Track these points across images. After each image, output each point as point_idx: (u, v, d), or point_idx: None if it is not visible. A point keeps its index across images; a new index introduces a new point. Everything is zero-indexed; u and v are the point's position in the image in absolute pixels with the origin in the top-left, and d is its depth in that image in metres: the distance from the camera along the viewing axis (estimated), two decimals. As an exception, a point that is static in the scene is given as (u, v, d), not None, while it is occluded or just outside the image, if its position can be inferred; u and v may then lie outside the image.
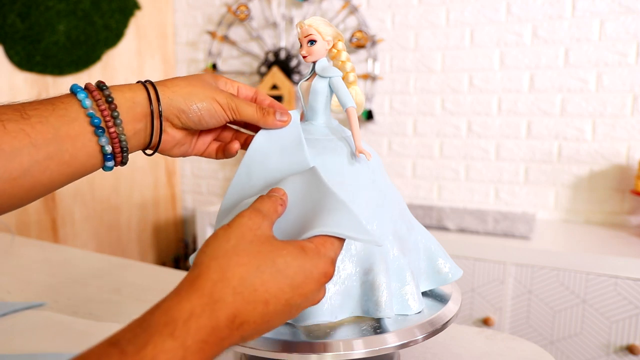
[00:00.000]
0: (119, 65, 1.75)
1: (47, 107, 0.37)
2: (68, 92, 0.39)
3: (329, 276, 0.33)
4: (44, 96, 1.43)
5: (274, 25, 1.78)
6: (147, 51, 1.87)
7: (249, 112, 0.44)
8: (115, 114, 0.39)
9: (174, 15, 2.00)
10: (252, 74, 1.85)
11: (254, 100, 0.47)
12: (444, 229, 1.38)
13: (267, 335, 0.39)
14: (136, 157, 1.86)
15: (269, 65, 1.77)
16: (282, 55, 1.75)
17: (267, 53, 1.78)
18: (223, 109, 0.43)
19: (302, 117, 0.49)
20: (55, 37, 1.53)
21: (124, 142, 0.39)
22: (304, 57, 0.46)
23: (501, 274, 1.22)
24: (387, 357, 0.48)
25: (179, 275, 0.86)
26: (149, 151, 0.44)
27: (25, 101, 0.38)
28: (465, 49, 1.53)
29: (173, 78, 0.43)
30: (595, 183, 1.42)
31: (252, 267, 0.30)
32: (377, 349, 0.38)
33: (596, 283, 1.13)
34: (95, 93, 0.38)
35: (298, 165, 0.43)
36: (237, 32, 1.87)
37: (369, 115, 1.64)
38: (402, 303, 0.43)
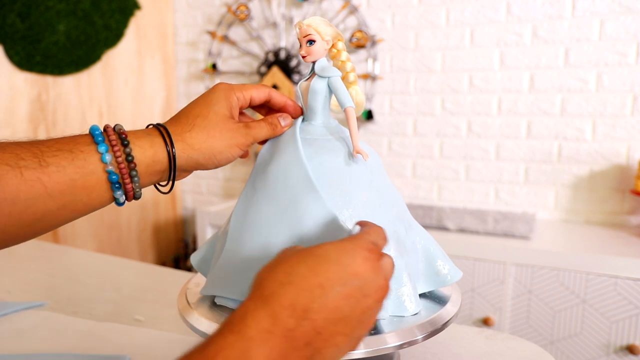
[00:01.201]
0: (119, 65, 1.75)
1: (66, 155, 0.37)
2: (87, 132, 0.40)
3: (374, 252, 0.33)
4: (43, 96, 1.42)
5: (274, 25, 1.78)
6: (147, 51, 1.87)
7: (263, 135, 0.46)
8: (134, 172, 0.40)
9: (174, 15, 2.00)
10: (252, 74, 1.85)
11: (269, 100, 0.48)
12: (444, 229, 1.38)
13: None
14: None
15: (269, 65, 1.77)
16: (282, 55, 1.75)
17: (267, 53, 1.78)
18: (241, 149, 0.45)
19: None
20: (55, 37, 1.53)
21: (138, 193, 0.41)
22: (303, 57, 0.46)
23: (501, 274, 1.22)
24: (387, 357, 0.47)
25: (179, 275, 0.86)
26: (163, 189, 0.45)
27: (45, 140, 0.38)
28: (465, 49, 1.53)
29: (192, 127, 0.42)
30: (595, 183, 1.43)
31: (294, 262, 0.31)
32: (377, 349, 0.38)
33: (596, 283, 1.13)
34: (116, 148, 0.39)
35: (294, 165, 0.43)
36: (237, 32, 1.87)
37: (369, 115, 1.64)
38: (398, 304, 0.43)
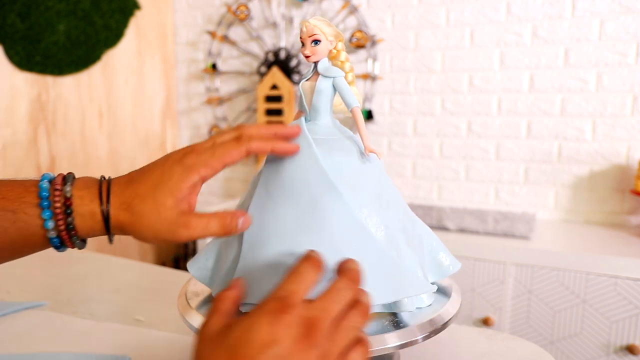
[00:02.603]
0: (119, 65, 1.75)
1: (9, 216, 0.38)
2: (33, 186, 0.39)
3: (279, 309, 0.30)
4: (43, 96, 1.42)
5: (274, 25, 1.78)
6: (147, 51, 1.87)
7: (207, 235, 0.41)
8: (75, 238, 0.40)
9: (173, 15, 2.00)
10: (252, 74, 1.85)
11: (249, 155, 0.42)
12: (444, 228, 1.38)
13: None
14: (136, 157, 1.87)
15: (268, 65, 1.76)
16: (282, 55, 1.75)
17: (267, 53, 1.78)
18: (176, 241, 0.40)
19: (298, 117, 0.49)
20: (55, 37, 1.53)
21: (80, 246, 0.41)
22: (307, 56, 0.46)
23: (501, 274, 1.22)
24: (387, 357, 0.48)
25: (179, 275, 0.86)
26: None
27: None
28: (465, 49, 1.53)
29: (134, 197, 0.39)
30: (595, 183, 1.43)
31: (210, 348, 0.31)
32: (377, 349, 0.38)
33: (596, 283, 1.13)
34: (59, 217, 0.38)
35: (310, 167, 0.43)
36: (237, 32, 1.87)
37: (368, 115, 1.64)
38: (416, 297, 0.44)
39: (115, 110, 1.77)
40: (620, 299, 1.11)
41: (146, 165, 0.42)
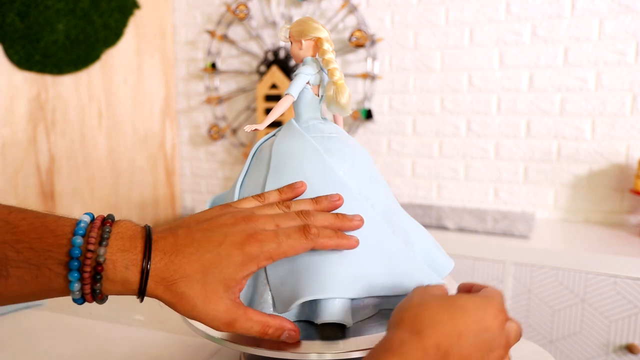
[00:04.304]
0: (118, 65, 1.75)
1: (32, 270, 0.34)
2: (65, 239, 0.35)
3: (503, 312, 0.35)
4: (43, 96, 1.41)
5: (274, 24, 1.78)
6: (146, 50, 1.87)
7: (250, 333, 0.38)
8: (99, 301, 0.37)
9: (173, 14, 1.99)
10: (252, 73, 1.85)
11: None
12: (443, 228, 1.38)
13: None
14: (135, 156, 1.87)
15: (268, 64, 1.76)
16: (282, 54, 1.75)
17: (266, 52, 1.77)
18: (221, 329, 0.38)
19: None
20: (54, 36, 1.52)
21: (100, 303, 0.38)
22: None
23: (500, 273, 1.22)
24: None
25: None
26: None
27: (16, 237, 0.34)
28: (465, 48, 1.53)
29: (181, 277, 0.36)
30: (595, 182, 1.43)
31: (438, 307, 0.34)
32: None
33: (595, 282, 1.13)
34: (86, 282, 0.35)
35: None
36: (236, 31, 1.87)
37: (368, 115, 1.64)
38: None
39: (114, 110, 1.76)
40: (619, 298, 1.11)
41: (196, 234, 0.37)
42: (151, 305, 0.72)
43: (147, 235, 0.37)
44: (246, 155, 1.88)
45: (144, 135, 1.90)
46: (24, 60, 1.47)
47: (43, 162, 1.54)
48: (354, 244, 0.41)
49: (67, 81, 1.60)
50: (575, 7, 1.38)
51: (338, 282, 0.39)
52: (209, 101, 1.90)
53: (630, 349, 1.10)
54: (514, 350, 0.56)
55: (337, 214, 0.42)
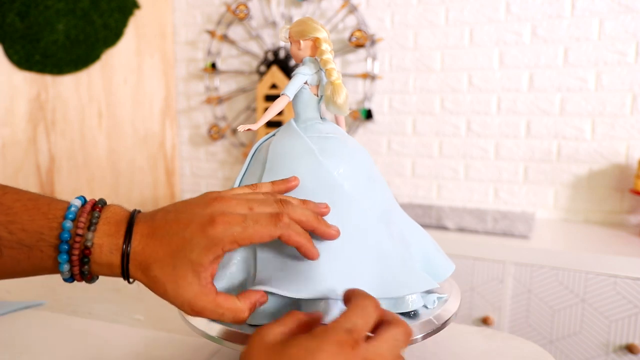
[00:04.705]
0: (118, 65, 1.75)
1: (25, 251, 0.37)
2: (55, 222, 0.37)
3: (347, 343, 0.29)
4: (43, 96, 1.41)
5: (274, 24, 1.78)
6: (146, 50, 1.87)
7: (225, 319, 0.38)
8: (88, 280, 0.39)
9: (173, 14, 1.99)
10: (252, 73, 1.85)
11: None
12: (443, 228, 1.38)
13: None
14: (135, 156, 1.87)
15: (268, 64, 1.76)
16: (282, 54, 1.75)
17: (266, 52, 1.77)
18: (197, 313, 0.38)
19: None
20: (54, 36, 1.53)
21: (90, 282, 0.40)
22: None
23: (500, 273, 1.22)
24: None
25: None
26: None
27: (10, 218, 0.36)
28: (465, 48, 1.53)
29: (154, 260, 0.37)
30: (595, 182, 1.43)
31: None
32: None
33: (595, 282, 1.13)
34: (75, 264, 0.37)
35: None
36: (236, 31, 1.87)
37: (368, 115, 1.64)
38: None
39: (114, 110, 1.76)
40: (619, 298, 1.11)
41: (171, 214, 0.38)
42: (151, 305, 0.72)
43: (130, 220, 0.38)
44: (246, 155, 1.88)
45: (144, 135, 1.90)
46: (24, 60, 1.47)
47: (43, 162, 1.54)
48: (315, 254, 0.39)
49: (67, 81, 1.60)
50: (575, 7, 1.38)
51: (328, 282, 0.39)
52: (209, 101, 1.90)
53: (630, 349, 1.10)
54: (514, 351, 0.56)
55: (317, 215, 0.40)
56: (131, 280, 0.39)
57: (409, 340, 0.33)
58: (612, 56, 1.36)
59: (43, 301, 0.72)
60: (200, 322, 0.42)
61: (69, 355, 0.56)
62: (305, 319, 0.34)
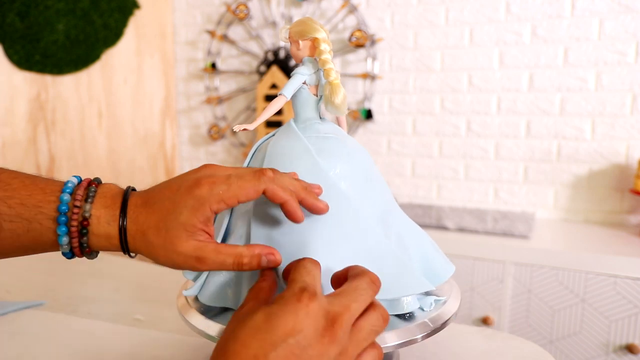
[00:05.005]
0: (118, 65, 1.75)
1: (24, 224, 0.37)
2: (54, 195, 0.38)
3: (304, 298, 0.31)
4: (43, 96, 1.41)
5: (274, 24, 1.78)
6: (146, 50, 1.87)
7: (220, 269, 0.38)
8: (87, 254, 0.39)
9: (173, 14, 1.99)
10: (252, 73, 1.85)
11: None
12: (443, 228, 1.38)
13: None
14: (135, 156, 1.87)
15: (268, 64, 1.76)
16: (282, 54, 1.75)
17: (266, 52, 1.77)
18: (190, 268, 0.39)
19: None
20: (54, 36, 1.53)
21: (89, 257, 0.40)
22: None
23: (500, 273, 1.22)
24: (387, 357, 0.47)
25: (179, 274, 0.86)
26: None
27: (9, 194, 0.37)
28: (465, 48, 1.53)
29: (148, 227, 0.37)
30: (595, 182, 1.43)
31: (229, 340, 0.31)
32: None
33: (595, 282, 1.13)
34: (73, 235, 0.38)
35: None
36: (236, 31, 1.87)
37: (368, 115, 1.64)
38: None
39: (114, 110, 1.76)
40: (619, 298, 1.11)
41: (162, 184, 0.40)
42: (151, 305, 0.72)
43: (125, 194, 0.39)
44: (246, 155, 1.88)
45: (144, 135, 1.90)
46: (24, 60, 1.47)
47: (43, 162, 1.54)
48: (300, 217, 0.38)
49: (67, 81, 1.60)
50: (575, 7, 1.38)
51: (322, 281, 0.39)
52: (209, 101, 1.90)
53: (630, 349, 1.10)
54: (514, 350, 0.56)
55: (306, 189, 0.39)
56: (132, 254, 0.39)
57: (375, 287, 0.34)
58: (612, 56, 1.36)
59: (43, 301, 0.73)
60: (200, 322, 0.42)
61: (69, 355, 0.56)
62: (268, 284, 0.37)
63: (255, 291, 0.36)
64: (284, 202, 0.37)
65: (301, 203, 0.38)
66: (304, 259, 0.36)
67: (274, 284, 0.37)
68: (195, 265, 0.37)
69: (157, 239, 0.37)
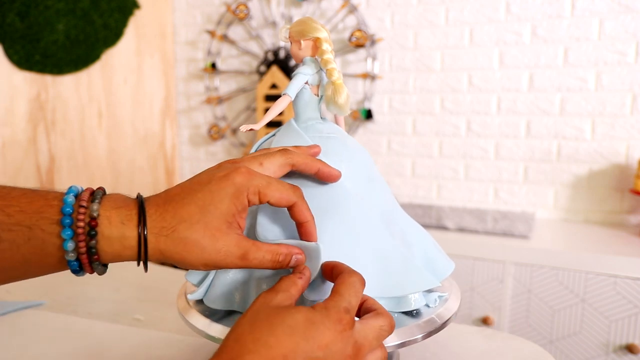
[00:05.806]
0: (118, 65, 1.75)
1: (24, 232, 0.33)
2: (56, 200, 0.34)
3: (343, 321, 0.32)
4: (43, 96, 1.41)
5: (274, 24, 1.78)
6: (146, 50, 1.87)
7: (262, 266, 0.38)
8: (96, 264, 0.35)
9: (173, 14, 1.99)
10: (252, 73, 1.85)
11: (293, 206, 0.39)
12: (443, 228, 1.38)
13: None
14: (135, 156, 1.87)
15: (268, 64, 1.76)
16: (282, 54, 1.75)
17: (266, 52, 1.77)
18: (230, 265, 0.37)
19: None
20: (54, 36, 1.52)
21: (98, 270, 0.36)
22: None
23: (500, 273, 1.22)
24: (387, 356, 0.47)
25: (179, 275, 0.86)
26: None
27: (8, 202, 0.33)
28: (465, 48, 1.53)
29: (179, 223, 0.34)
30: (595, 182, 1.43)
31: (265, 329, 0.30)
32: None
33: (595, 282, 1.13)
34: (80, 238, 0.33)
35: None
36: (236, 31, 1.87)
37: (368, 115, 1.64)
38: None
39: (114, 110, 1.76)
40: (619, 298, 1.11)
41: (185, 183, 0.37)
42: (151, 305, 0.72)
43: (139, 197, 0.36)
44: (246, 155, 1.87)
45: (144, 135, 1.90)
46: (24, 60, 1.47)
47: (43, 162, 1.54)
48: (336, 172, 0.42)
49: (67, 81, 1.60)
50: (575, 7, 1.38)
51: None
52: (209, 101, 1.90)
53: (630, 348, 1.10)
54: (514, 351, 0.56)
55: (317, 159, 0.42)
56: (145, 260, 0.35)
57: (392, 331, 0.35)
58: (612, 56, 1.36)
59: (43, 301, 0.73)
60: (200, 322, 0.42)
61: (69, 355, 0.56)
62: (302, 284, 0.36)
63: (288, 283, 0.35)
64: (318, 170, 0.40)
65: (318, 173, 0.41)
66: (357, 274, 0.36)
67: (306, 284, 0.37)
68: (236, 262, 0.36)
69: (193, 233, 0.34)
